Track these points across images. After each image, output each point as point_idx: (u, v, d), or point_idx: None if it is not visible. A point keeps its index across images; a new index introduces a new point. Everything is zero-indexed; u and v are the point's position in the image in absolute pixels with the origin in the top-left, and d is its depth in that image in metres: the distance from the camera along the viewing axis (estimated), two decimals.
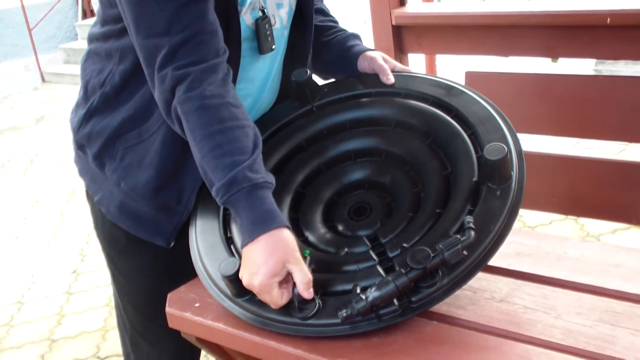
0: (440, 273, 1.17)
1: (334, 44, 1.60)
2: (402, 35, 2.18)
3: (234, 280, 1.22)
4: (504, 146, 1.24)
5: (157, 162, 1.40)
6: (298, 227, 1.39)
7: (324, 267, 1.27)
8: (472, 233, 1.16)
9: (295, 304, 1.19)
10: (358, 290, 1.19)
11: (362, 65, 1.55)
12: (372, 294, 1.14)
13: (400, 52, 2.20)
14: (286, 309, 1.20)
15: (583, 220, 3.22)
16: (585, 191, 2.00)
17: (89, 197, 1.56)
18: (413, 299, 1.17)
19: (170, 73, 1.25)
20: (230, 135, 1.25)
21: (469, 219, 1.19)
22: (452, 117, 1.38)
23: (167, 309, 1.38)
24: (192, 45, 1.25)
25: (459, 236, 1.15)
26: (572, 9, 1.88)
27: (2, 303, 3.40)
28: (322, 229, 1.38)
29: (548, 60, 3.91)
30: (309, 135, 1.49)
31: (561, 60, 3.88)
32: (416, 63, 2.44)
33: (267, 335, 1.24)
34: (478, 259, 1.18)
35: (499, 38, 2.04)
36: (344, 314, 1.14)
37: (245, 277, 1.19)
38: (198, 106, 1.25)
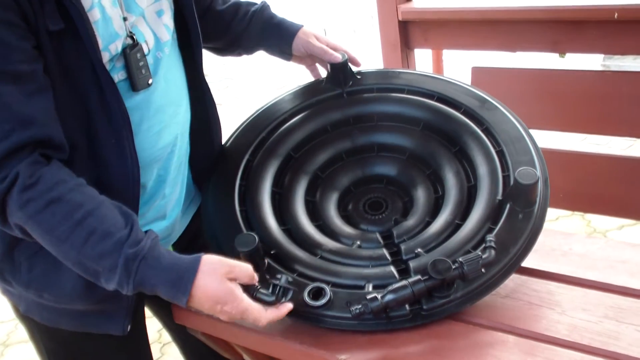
0: (455, 286, 1.17)
1: (252, 21, 1.53)
2: (409, 31, 2.17)
3: (250, 255, 1.22)
4: (536, 172, 1.24)
5: None
6: (314, 212, 1.39)
7: (336, 257, 1.28)
8: (493, 252, 1.17)
9: (307, 293, 1.20)
10: (370, 288, 1.19)
11: (298, 49, 1.51)
12: (388, 295, 1.14)
13: (407, 47, 2.20)
14: (299, 294, 1.20)
15: (590, 216, 3.21)
16: (592, 187, 2.00)
17: (14, 309, 1.40)
18: (425, 307, 1.17)
19: None
20: (97, 215, 1.11)
21: (491, 237, 1.19)
22: (482, 131, 1.37)
23: (173, 305, 1.38)
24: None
25: (480, 253, 1.16)
26: (579, 4, 1.88)
27: None
28: (335, 218, 1.38)
29: (556, 55, 3.89)
30: (335, 119, 1.48)
31: (569, 55, 3.87)
32: (423, 58, 2.43)
33: (272, 329, 1.24)
34: (493, 278, 1.19)
35: (505, 33, 2.04)
36: (357, 311, 1.14)
37: (223, 317, 1.15)
38: (46, 203, 1.09)
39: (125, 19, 1.20)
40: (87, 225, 1.09)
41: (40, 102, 1.10)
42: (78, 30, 1.11)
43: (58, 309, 1.30)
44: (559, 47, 2.00)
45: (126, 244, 1.10)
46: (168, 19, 1.31)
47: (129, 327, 1.33)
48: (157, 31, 1.29)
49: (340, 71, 1.48)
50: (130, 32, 1.21)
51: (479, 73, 2.07)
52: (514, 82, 2.06)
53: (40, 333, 1.40)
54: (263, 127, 1.46)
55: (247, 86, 5.37)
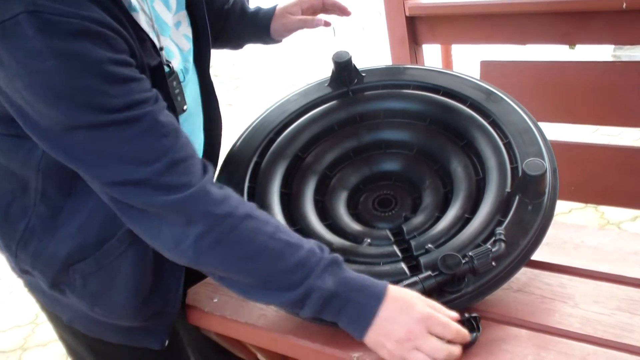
0: (466, 280, 1.17)
1: (228, 19, 1.53)
2: (416, 26, 2.17)
3: None
4: (544, 163, 1.24)
5: (132, 283, 1.23)
6: (323, 211, 1.39)
7: (346, 255, 1.27)
8: (503, 245, 1.17)
9: None
10: None
11: (278, 33, 1.50)
12: None
13: (414, 43, 2.20)
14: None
15: (603, 208, 3.19)
16: (604, 179, 1.99)
17: (53, 317, 1.38)
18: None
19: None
20: (284, 230, 1.12)
21: (500, 230, 1.19)
22: (489, 123, 1.37)
23: (186, 306, 1.39)
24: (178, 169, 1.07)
25: (489, 246, 1.16)
26: None
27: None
28: (345, 216, 1.38)
29: (565, 47, 3.87)
30: (341, 118, 1.47)
31: (579, 46, 3.85)
32: (432, 54, 2.43)
33: (285, 329, 1.24)
34: (504, 271, 1.19)
35: (514, 26, 2.03)
36: None
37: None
38: (242, 217, 1.08)
39: (161, 48, 1.19)
40: (280, 238, 1.09)
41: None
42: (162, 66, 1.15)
43: (104, 322, 1.30)
44: (568, 38, 1.99)
45: (321, 252, 1.10)
46: (185, 28, 1.31)
47: (167, 342, 1.35)
48: (179, 43, 1.29)
49: (345, 69, 1.48)
50: (167, 61, 1.21)
51: (488, 67, 2.06)
52: (524, 76, 2.05)
53: (81, 343, 1.40)
54: (270, 128, 1.46)
55: (257, 86, 5.38)
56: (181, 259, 1.10)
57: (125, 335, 1.34)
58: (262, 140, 1.44)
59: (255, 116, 1.51)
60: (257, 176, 1.39)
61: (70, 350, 1.45)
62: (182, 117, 1.26)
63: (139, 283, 1.24)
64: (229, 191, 1.12)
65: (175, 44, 1.27)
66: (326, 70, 1.54)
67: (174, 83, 1.21)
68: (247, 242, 1.08)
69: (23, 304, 3.31)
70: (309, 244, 1.11)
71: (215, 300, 1.36)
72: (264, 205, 1.34)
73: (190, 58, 1.31)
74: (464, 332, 1.09)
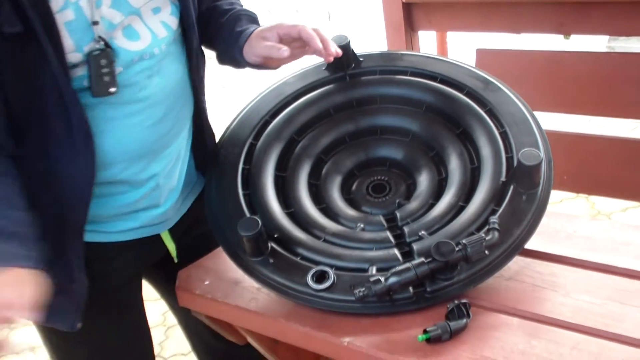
0: (459, 268, 1.17)
1: (222, 28, 1.44)
2: (413, 12, 2.16)
3: (253, 239, 1.23)
4: (540, 153, 1.24)
5: None
6: (317, 195, 1.39)
7: (339, 240, 1.28)
8: (497, 234, 1.17)
9: (312, 274, 1.21)
10: (373, 271, 1.20)
11: (252, 60, 1.39)
12: (391, 278, 1.14)
13: (410, 29, 2.19)
14: (302, 278, 1.21)
15: (594, 198, 3.20)
16: (596, 169, 1.99)
17: None
18: (428, 289, 1.18)
19: None
20: None
21: (494, 219, 1.19)
22: (486, 112, 1.36)
23: (177, 287, 1.39)
24: None
25: (483, 235, 1.16)
26: None
27: None
28: (339, 200, 1.38)
29: (560, 37, 3.87)
30: (338, 102, 1.47)
31: (574, 37, 3.85)
32: (427, 40, 2.42)
33: (276, 313, 1.25)
34: (497, 260, 1.19)
35: (510, 15, 2.02)
36: (360, 294, 1.14)
37: None
38: None
39: (95, 22, 1.19)
40: None
41: None
42: (37, 34, 1.10)
43: None
44: (563, 28, 1.99)
45: None
46: (166, 16, 1.30)
47: (79, 325, 1.33)
48: (154, 28, 1.28)
49: (343, 54, 1.47)
50: (100, 37, 1.19)
51: (483, 55, 2.06)
52: (519, 64, 2.05)
53: None
54: (266, 110, 1.45)
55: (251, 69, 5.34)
56: None
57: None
58: (257, 122, 1.44)
59: (250, 99, 1.51)
60: (252, 158, 1.39)
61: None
62: (145, 101, 1.26)
63: None
64: None
65: (147, 27, 1.27)
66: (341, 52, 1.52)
67: (102, 61, 1.19)
68: None
69: None
70: None
71: (207, 282, 1.36)
72: (258, 187, 1.34)
73: (164, 46, 1.29)
74: None
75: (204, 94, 1.45)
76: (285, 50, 1.31)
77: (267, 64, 1.41)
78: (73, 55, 1.17)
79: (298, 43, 1.36)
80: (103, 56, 1.19)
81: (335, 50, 1.35)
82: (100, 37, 1.19)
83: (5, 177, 1.17)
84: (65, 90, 1.16)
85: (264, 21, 1.44)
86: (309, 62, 1.52)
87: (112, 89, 1.21)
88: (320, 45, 1.33)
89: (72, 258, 1.28)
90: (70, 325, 1.33)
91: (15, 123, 1.17)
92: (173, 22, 1.32)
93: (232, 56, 1.42)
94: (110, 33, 1.21)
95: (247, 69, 1.46)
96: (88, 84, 1.20)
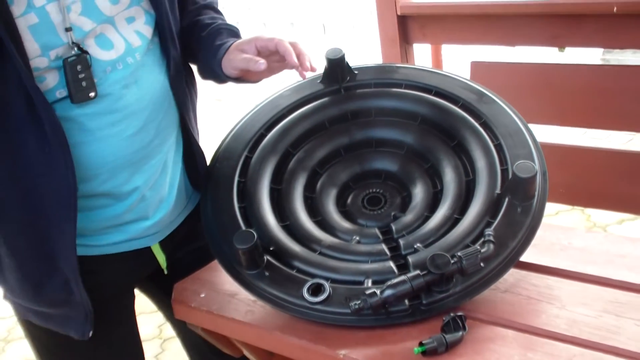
0: (454, 280, 1.18)
1: (203, 42, 1.44)
2: (407, 25, 2.17)
3: (249, 252, 1.22)
4: (534, 165, 1.24)
5: (15, 264, 1.25)
6: (312, 208, 1.39)
7: (335, 252, 1.28)
8: (492, 246, 1.17)
9: (307, 287, 1.21)
10: (369, 284, 1.19)
11: (230, 72, 1.39)
12: (387, 290, 1.14)
13: (405, 42, 2.20)
14: (297, 291, 1.21)
15: (590, 210, 3.21)
16: (592, 181, 2.00)
17: None
18: (424, 302, 1.18)
19: None
20: None
21: (489, 231, 1.20)
22: (480, 125, 1.37)
23: (173, 300, 1.38)
24: None
25: (478, 247, 1.16)
26: None
27: None
28: (334, 213, 1.38)
29: (555, 49, 3.89)
30: (333, 115, 1.47)
31: (568, 49, 3.87)
32: (422, 53, 2.43)
33: (272, 325, 1.24)
34: (492, 272, 1.19)
35: (504, 27, 2.03)
36: (356, 306, 1.14)
37: None
38: None
39: (68, 29, 1.18)
40: None
41: None
42: None
43: (22, 304, 1.33)
44: (557, 41, 2.00)
45: None
46: (141, 25, 1.30)
47: (90, 333, 1.33)
48: (128, 37, 1.28)
49: (338, 67, 1.48)
50: (74, 43, 1.19)
51: (478, 67, 2.07)
52: (514, 77, 2.06)
53: (21, 321, 1.43)
54: (261, 123, 1.46)
55: None
56: None
57: (45, 320, 1.35)
58: (253, 135, 1.44)
59: (246, 112, 1.51)
60: (248, 171, 1.39)
61: (25, 335, 1.47)
62: (122, 111, 1.25)
63: (24, 266, 1.25)
64: None
65: (121, 36, 1.26)
66: (316, 67, 1.53)
67: (78, 67, 1.18)
68: None
69: None
70: None
71: (202, 295, 1.36)
72: (253, 199, 1.34)
73: (138, 55, 1.29)
74: None
75: (190, 106, 1.45)
76: (262, 63, 1.31)
77: (245, 77, 1.41)
78: (39, 60, 1.16)
79: (277, 57, 1.36)
80: (78, 62, 1.19)
81: (311, 65, 1.35)
82: (74, 42, 1.19)
83: None
84: (35, 98, 1.14)
85: (262, 33, 1.44)
86: (292, 76, 1.51)
87: (92, 94, 1.21)
88: (295, 60, 1.32)
89: (66, 272, 1.27)
90: (81, 333, 1.33)
91: None
92: (148, 31, 1.31)
93: (212, 70, 1.42)
94: (82, 40, 1.21)
95: (230, 84, 1.46)
96: (64, 94, 1.19)
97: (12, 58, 1.11)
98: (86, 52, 1.20)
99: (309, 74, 1.38)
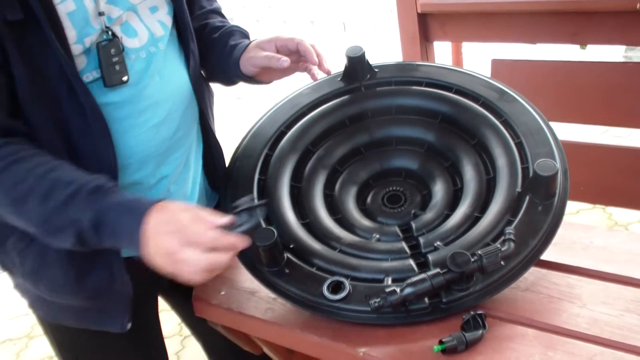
0: (474, 278, 1.17)
1: (215, 43, 1.47)
2: (428, 23, 2.17)
3: (269, 249, 1.23)
4: (555, 163, 1.23)
5: (63, 252, 1.21)
6: (332, 206, 1.39)
7: (355, 250, 1.28)
8: (512, 245, 1.17)
9: (327, 285, 1.21)
10: (389, 282, 1.20)
11: (247, 70, 1.41)
12: (407, 289, 1.14)
13: (425, 40, 2.20)
14: (317, 288, 1.21)
15: (611, 209, 3.19)
16: (613, 180, 1.99)
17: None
18: (444, 300, 1.17)
19: None
20: (61, 168, 1.12)
21: (510, 230, 1.19)
22: (501, 123, 1.36)
23: (193, 298, 1.39)
24: None
25: (499, 245, 1.16)
26: None
27: None
28: (354, 211, 1.38)
29: (576, 47, 3.86)
30: (353, 113, 1.47)
31: (590, 47, 3.84)
32: (443, 51, 2.42)
33: (292, 323, 1.25)
34: (513, 271, 1.19)
35: (525, 25, 2.03)
36: (375, 304, 1.14)
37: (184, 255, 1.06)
38: (9, 163, 1.10)
39: (101, 13, 1.20)
40: (50, 177, 1.10)
41: None
42: (40, 22, 1.11)
43: (57, 304, 1.31)
44: (578, 38, 1.99)
45: (88, 183, 1.10)
46: (163, 15, 1.31)
47: (129, 325, 1.33)
48: (151, 27, 1.29)
49: (358, 65, 1.48)
50: (107, 27, 1.21)
51: (498, 65, 2.06)
52: (534, 75, 2.05)
53: (50, 327, 1.43)
54: (282, 121, 1.46)
55: None
56: None
57: (82, 318, 1.34)
58: (273, 133, 1.44)
59: (265, 109, 1.51)
60: (268, 169, 1.39)
61: (44, 332, 1.47)
62: (146, 100, 1.26)
63: (70, 254, 1.21)
64: (5, 142, 1.12)
65: (144, 25, 1.28)
66: (336, 65, 1.54)
67: (112, 51, 1.20)
68: (16, 184, 1.09)
69: (17, 318, 3.30)
70: (82, 178, 1.11)
71: (223, 293, 1.37)
72: (273, 197, 1.34)
73: (162, 45, 1.30)
74: (221, 238, 1.07)
75: (208, 102, 1.46)
76: (285, 61, 1.33)
77: (260, 76, 1.43)
78: (75, 47, 1.18)
79: (293, 57, 1.38)
80: (112, 46, 1.20)
81: (327, 68, 1.39)
82: (107, 27, 1.21)
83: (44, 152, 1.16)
84: (74, 83, 1.16)
85: (279, 31, 1.45)
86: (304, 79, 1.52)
87: (125, 77, 1.22)
88: (316, 59, 1.36)
89: (111, 257, 1.27)
90: (120, 326, 1.33)
91: (33, 117, 1.16)
92: (169, 22, 1.33)
93: (224, 69, 1.43)
94: (110, 27, 1.22)
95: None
96: (90, 78, 1.20)
97: (51, 44, 1.12)
98: (116, 37, 1.22)
99: (320, 75, 1.41)
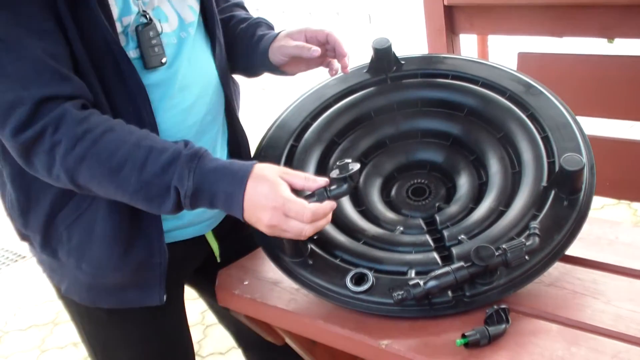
0: (498, 272, 1.17)
1: (243, 34, 1.49)
2: (454, 16, 2.16)
3: (294, 240, 1.23)
4: (582, 158, 1.23)
5: (110, 227, 1.25)
6: (357, 197, 1.39)
7: (379, 242, 1.28)
8: (537, 240, 1.16)
9: (350, 277, 1.21)
10: (412, 274, 1.20)
11: (276, 59, 1.43)
12: (430, 282, 1.14)
13: (452, 32, 2.18)
14: (341, 280, 1.21)
15: (636, 205, 3.16)
16: (639, 175, 1.96)
17: (55, 288, 1.44)
18: (467, 294, 1.17)
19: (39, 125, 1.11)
20: (152, 137, 1.17)
21: (535, 224, 1.19)
22: (527, 117, 1.36)
23: (217, 287, 1.40)
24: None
25: (523, 240, 1.15)
26: None
27: None
28: (379, 203, 1.39)
29: (604, 40, 3.82)
30: (379, 105, 1.47)
31: (618, 40, 3.79)
32: (469, 44, 2.41)
33: (315, 314, 1.25)
34: (537, 265, 1.18)
35: (552, 18, 2.01)
36: (399, 297, 1.14)
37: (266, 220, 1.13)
38: (102, 131, 1.13)
39: None
40: (144, 145, 1.14)
41: (65, 60, 1.15)
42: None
43: (96, 285, 1.34)
44: (608, 32, 1.97)
45: (185, 149, 1.14)
46: (193, 1, 1.34)
47: (164, 297, 1.35)
48: (182, 12, 1.31)
49: (384, 57, 1.48)
50: (144, 11, 1.23)
51: (525, 59, 2.05)
52: (561, 68, 2.03)
53: (80, 315, 1.45)
54: (307, 112, 1.46)
55: None
56: (59, 183, 1.16)
57: (120, 296, 1.36)
58: (298, 125, 1.45)
59: (291, 101, 1.52)
60: (293, 160, 1.39)
61: (74, 322, 1.49)
62: (177, 83, 1.29)
63: (118, 229, 1.26)
64: (92, 112, 1.15)
65: (175, 11, 1.30)
66: (361, 57, 1.54)
67: (150, 33, 1.23)
68: (111, 153, 1.13)
69: (42, 304, 3.34)
70: (175, 145, 1.15)
71: (246, 282, 1.38)
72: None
73: (192, 30, 1.33)
74: (318, 210, 1.13)
75: (234, 90, 1.48)
76: (315, 50, 1.36)
77: (287, 67, 1.45)
78: (116, 24, 1.20)
79: (321, 49, 1.39)
80: (150, 28, 1.24)
81: (347, 63, 1.41)
82: (144, 10, 1.23)
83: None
84: (120, 57, 1.19)
85: (305, 23, 1.46)
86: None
87: (163, 59, 1.26)
88: (345, 50, 1.38)
89: (151, 229, 1.29)
90: (158, 299, 1.35)
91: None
92: (197, 7, 1.35)
93: (251, 59, 1.46)
94: (146, 11, 1.24)
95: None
96: (132, 57, 1.22)
97: (98, 20, 1.15)
98: (153, 20, 1.24)
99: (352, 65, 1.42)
